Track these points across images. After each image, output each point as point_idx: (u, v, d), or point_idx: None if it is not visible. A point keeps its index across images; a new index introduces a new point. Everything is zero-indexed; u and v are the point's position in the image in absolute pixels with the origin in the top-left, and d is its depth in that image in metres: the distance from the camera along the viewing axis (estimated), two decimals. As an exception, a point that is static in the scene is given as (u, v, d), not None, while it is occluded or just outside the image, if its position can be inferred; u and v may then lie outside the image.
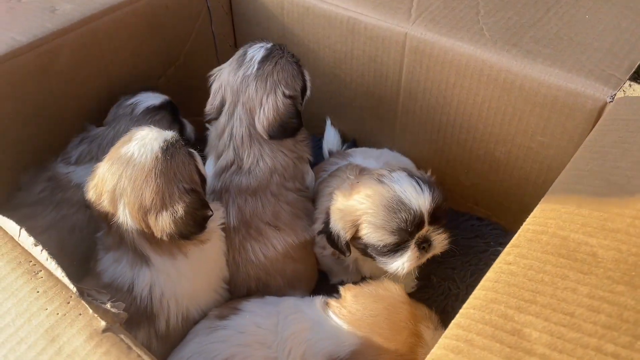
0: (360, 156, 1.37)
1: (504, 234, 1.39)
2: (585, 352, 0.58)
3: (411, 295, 1.04)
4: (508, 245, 0.75)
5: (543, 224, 0.76)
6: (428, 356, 0.62)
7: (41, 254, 0.73)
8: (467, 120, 1.26)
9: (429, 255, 1.10)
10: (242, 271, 1.22)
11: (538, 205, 0.80)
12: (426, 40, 1.21)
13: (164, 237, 0.99)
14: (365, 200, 1.06)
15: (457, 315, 0.66)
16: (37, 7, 1.27)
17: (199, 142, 1.34)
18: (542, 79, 1.09)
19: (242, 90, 1.18)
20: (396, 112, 1.40)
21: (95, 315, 0.67)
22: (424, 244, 1.07)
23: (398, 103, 1.38)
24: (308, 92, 1.28)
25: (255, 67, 1.18)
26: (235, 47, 1.25)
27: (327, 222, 1.12)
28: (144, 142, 0.99)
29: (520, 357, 0.59)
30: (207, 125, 1.30)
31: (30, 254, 0.74)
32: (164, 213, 0.97)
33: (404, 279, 1.12)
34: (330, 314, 1.01)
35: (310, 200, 1.31)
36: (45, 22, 1.22)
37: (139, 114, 1.31)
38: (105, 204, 1.00)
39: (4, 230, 0.78)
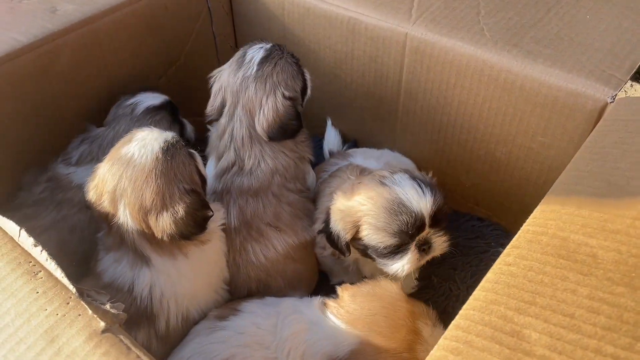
0: (361, 156, 1.37)
1: (504, 235, 1.39)
2: (584, 354, 0.58)
3: (412, 296, 1.03)
4: (508, 246, 0.74)
5: (543, 224, 0.76)
6: (427, 357, 0.62)
7: (41, 255, 0.73)
8: (467, 120, 1.26)
9: (429, 257, 1.10)
10: (242, 272, 1.22)
11: (538, 206, 0.80)
12: (427, 41, 1.21)
13: (165, 238, 0.99)
14: (367, 202, 1.06)
15: (457, 317, 0.66)
16: (37, 8, 1.27)
17: (200, 143, 1.34)
18: (543, 80, 1.09)
19: (241, 92, 1.18)
20: (397, 113, 1.40)
21: (95, 315, 0.67)
22: (424, 246, 1.07)
23: (399, 103, 1.38)
24: (309, 92, 1.28)
25: (255, 68, 1.18)
26: (236, 47, 1.26)
27: (327, 222, 1.12)
28: (145, 142, 0.99)
29: (520, 358, 0.59)
30: (208, 126, 1.31)
31: (30, 254, 0.74)
32: (165, 214, 0.97)
33: (405, 279, 1.12)
34: (329, 314, 1.01)
35: (311, 200, 1.31)
36: (45, 22, 1.22)
37: (139, 114, 1.31)
38: (105, 205, 1.00)
39: (4, 231, 0.78)
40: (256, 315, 1.08)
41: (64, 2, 1.29)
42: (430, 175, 1.15)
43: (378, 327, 0.96)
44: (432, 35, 1.20)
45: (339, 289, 1.04)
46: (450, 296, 1.30)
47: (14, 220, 0.77)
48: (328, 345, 0.97)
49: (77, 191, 1.18)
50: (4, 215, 0.79)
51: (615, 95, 1.01)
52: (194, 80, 1.31)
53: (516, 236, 0.76)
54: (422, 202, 1.04)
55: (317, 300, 1.06)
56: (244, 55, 1.21)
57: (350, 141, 1.58)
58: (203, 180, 1.08)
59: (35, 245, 0.73)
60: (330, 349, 0.97)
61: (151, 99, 1.34)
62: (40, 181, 1.24)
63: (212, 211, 1.05)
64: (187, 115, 1.43)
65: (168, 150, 0.99)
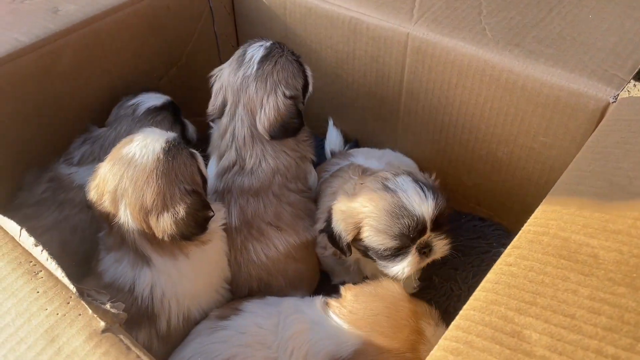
0: (362, 156, 1.37)
1: (506, 235, 1.39)
2: (585, 354, 0.58)
3: (413, 296, 1.03)
4: (509, 246, 0.74)
5: (544, 225, 0.75)
6: (427, 358, 0.62)
7: (41, 254, 0.73)
8: (469, 120, 1.26)
9: (429, 260, 1.10)
10: (243, 271, 1.22)
11: (539, 206, 0.80)
12: (428, 41, 1.21)
13: (165, 238, 0.99)
14: (369, 204, 1.06)
15: (457, 317, 0.66)
16: (39, 8, 1.27)
17: (201, 142, 1.34)
18: (545, 79, 1.09)
19: (242, 91, 1.18)
20: (398, 113, 1.40)
21: (95, 315, 0.67)
22: (425, 249, 1.07)
23: (400, 103, 1.37)
24: (310, 89, 1.28)
25: (255, 67, 1.18)
26: (238, 47, 1.25)
27: (329, 222, 1.12)
28: (146, 143, 1.00)
29: (520, 359, 0.59)
30: (210, 123, 1.31)
31: (30, 254, 0.75)
32: (165, 214, 0.97)
33: (406, 279, 1.12)
34: (331, 313, 1.01)
35: (313, 200, 1.31)
36: (47, 22, 1.22)
37: (141, 114, 1.31)
38: (106, 205, 1.00)
39: (5, 231, 0.78)
40: (257, 315, 1.08)
41: (65, 2, 1.29)
42: (433, 177, 1.15)
43: (381, 327, 0.96)
44: (434, 35, 1.20)
45: (342, 289, 1.04)
46: (451, 296, 1.30)
47: (15, 220, 0.77)
48: (330, 345, 0.97)
49: (79, 191, 1.19)
50: (6, 214, 0.79)
51: (618, 95, 1.01)
52: (196, 80, 1.31)
53: (517, 236, 0.75)
54: (424, 206, 1.03)
55: (319, 299, 1.06)
56: (244, 53, 1.21)
57: (352, 141, 1.58)
58: (204, 180, 1.08)
59: (36, 245, 0.73)
60: (332, 348, 0.97)
61: (153, 99, 1.34)
62: (42, 181, 1.24)
63: (213, 211, 1.05)
64: (189, 115, 1.43)
65: (169, 150, 0.99)
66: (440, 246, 1.08)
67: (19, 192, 1.25)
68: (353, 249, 1.12)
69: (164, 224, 0.97)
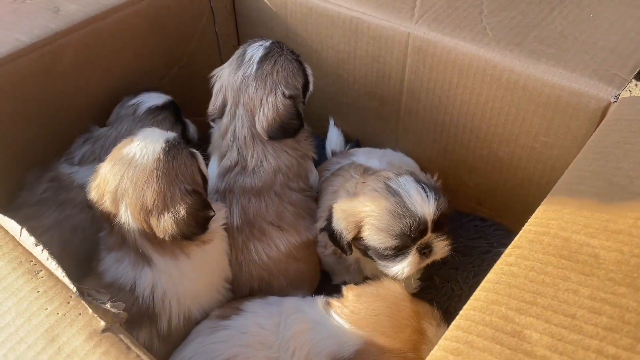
0: (363, 156, 1.37)
1: (507, 235, 1.39)
2: (586, 354, 0.57)
3: (414, 296, 1.03)
4: (509, 246, 0.74)
5: (545, 224, 0.75)
6: (427, 358, 0.62)
7: (42, 254, 0.73)
8: (470, 120, 1.26)
9: (429, 260, 1.10)
10: (245, 271, 1.22)
11: (540, 206, 0.80)
12: (429, 40, 1.21)
13: (166, 238, 0.99)
14: (370, 203, 1.06)
15: (457, 317, 0.66)
16: (40, 8, 1.27)
17: (202, 142, 1.34)
18: (546, 79, 1.08)
19: (242, 91, 1.18)
20: (399, 112, 1.40)
21: (95, 315, 0.68)
22: (425, 250, 1.07)
23: (401, 103, 1.37)
24: (311, 88, 1.28)
25: (255, 67, 1.18)
26: (239, 47, 1.26)
27: (329, 220, 1.12)
28: (146, 143, 1.00)
29: (521, 359, 0.58)
30: (211, 123, 1.31)
31: (31, 253, 0.75)
32: (166, 214, 0.97)
33: (406, 279, 1.11)
34: (333, 313, 1.01)
35: (314, 199, 1.31)
36: (48, 22, 1.22)
37: (142, 114, 1.31)
38: (107, 205, 1.00)
39: (5, 230, 0.78)
40: (258, 315, 1.08)
41: (66, 2, 1.29)
42: (435, 177, 1.15)
43: (382, 327, 0.96)
44: (435, 34, 1.20)
45: (343, 289, 1.04)
46: (452, 296, 1.30)
47: (15, 220, 0.77)
48: (332, 345, 0.97)
49: (80, 191, 1.19)
50: (7, 214, 0.79)
51: (619, 94, 1.01)
52: (197, 80, 1.31)
53: (518, 236, 0.75)
54: (425, 206, 1.03)
55: (321, 299, 1.06)
56: (244, 53, 1.21)
57: (353, 141, 1.58)
58: (205, 180, 1.08)
59: (36, 245, 0.73)
60: (334, 348, 0.97)
61: (154, 99, 1.35)
62: (43, 181, 1.24)
63: (214, 211, 1.05)
64: (190, 115, 1.43)
65: (169, 150, 0.99)
66: (441, 247, 1.08)
67: (20, 191, 1.25)
68: (353, 248, 1.12)
69: (165, 224, 0.97)
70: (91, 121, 1.32)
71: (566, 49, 1.11)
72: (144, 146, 0.99)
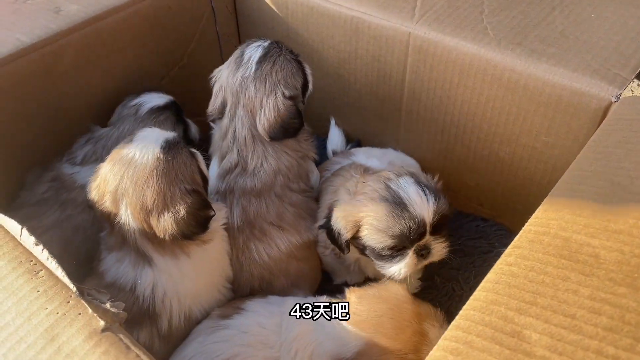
0: (364, 155, 1.37)
1: (508, 235, 1.38)
2: (585, 355, 0.57)
3: (415, 296, 1.03)
4: (509, 246, 0.74)
5: (545, 224, 0.75)
6: (427, 358, 0.62)
7: (42, 254, 0.73)
8: (471, 120, 1.25)
9: (427, 262, 1.10)
10: (245, 270, 1.22)
11: (540, 206, 0.79)
12: (430, 40, 1.21)
13: (166, 238, 0.99)
14: (370, 203, 1.06)
15: (457, 317, 0.66)
16: (41, 8, 1.27)
17: (204, 142, 1.35)
18: (547, 78, 1.08)
19: (241, 92, 1.18)
20: (400, 112, 1.40)
21: (95, 314, 0.68)
22: (423, 251, 1.07)
23: (402, 103, 1.37)
24: (310, 88, 1.27)
25: (254, 67, 1.17)
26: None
27: (328, 218, 1.12)
28: (146, 142, 1.00)
29: (520, 359, 0.58)
30: (211, 124, 1.31)
31: (31, 253, 0.75)
32: (166, 214, 0.97)
33: (407, 279, 1.11)
34: None
35: (315, 199, 1.31)
36: (49, 22, 1.22)
37: (144, 114, 1.31)
38: (107, 205, 1.00)
39: (6, 230, 0.78)
40: (260, 315, 1.08)
41: (67, 2, 1.29)
42: (435, 178, 1.14)
43: (383, 329, 0.95)
44: (436, 34, 1.20)
45: (346, 291, 1.04)
46: (453, 296, 1.30)
47: (17, 220, 0.77)
48: (334, 346, 0.97)
49: (81, 191, 1.19)
50: (8, 214, 0.79)
51: (620, 94, 1.00)
52: (198, 80, 1.31)
53: (518, 236, 0.75)
54: (424, 209, 1.03)
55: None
56: (242, 54, 1.20)
57: (354, 141, 1.58)
58: (205, 179, 1.08)
59: (37, 244, 0.73)
60: (336, 350, 0.96)
61: (155, 99, 1.35)
62: (44, 181, 1.25)
63: (214, 211, 1.05)
64: (191, 115, 1.43)
65: (169, 150, 0.99)
66: (439, 249, 1.08)
67: (21, 191, 1.25)
68: (352, 248, 1.12)
69: (165, 224, 0.97)
70: (91, 121, 1.32)
71: (567, 48, 1.11)
72: (144, 146, 0.99)
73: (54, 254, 0.73)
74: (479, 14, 1.22)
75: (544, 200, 0.80)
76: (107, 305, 0.69)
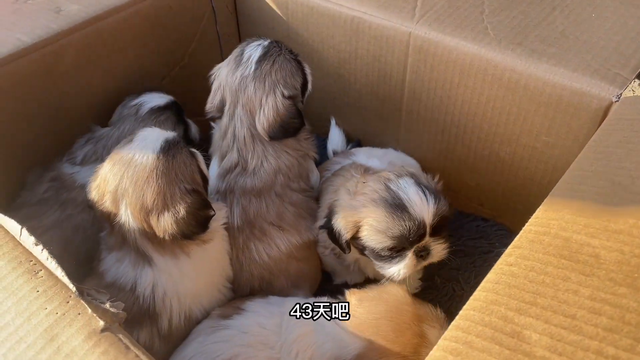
0: (364, 155, 1.36)
1: (508, 235, 1.38)
2: (585, 355, 0.57)
3: (415, 296, 1.03)
4: (510, 246, 0.74)
5: (545, 224, 0.75)
6: (427, 358, 0.62)
7: (41, 254, 0.73)
8: (471, 120, 1.25)
9: (426, 263, 1.10)
10: (245, 270, 1.22)
11: (540, 206, 0.79)
12: (430, 40, 1.21)
13: (166, 237, 0.99)
14: (370, 203, 1.06)
15: (457, 317, 0.65)
16: (42, 8, 1.28)
17: (204, 142, 1.35)
18: (547, 78, 1.08)
19: (241, 91, 1.18)
20: (400, 112, 1.39)
21: (94, 314, 0.68)
22: (422, 253, 1.07)
23: (402, 103, 1.37)
24: (309, 88, 1.27)
25: (253, 67, 1.17)
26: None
27: (329, 218, 1.12)
28: (146, 142, 1.00)
29: (520, 359, 0.58)
30: (211, 124, 1.31)
31: (31, 253, 0.75)
32: (166, 213, 0.97)
33: (406, 280, 1.11)
34: None
35: (315, 199, 1.31)
36: (50, 22, 1.22)
37: (144, 114, 1.31)
38: (107, 205, 1.00)
39: (5, 230, 0.78)
40: (260, 315, 1.08)
41: (68, 2, 1.29)
42: (436, 179, 1.14)
43: (382, 331, 0.95)
44: (436, 34, 1.20)
45: (346, 293, 1.04)
46: (453, 297, 1.29)
47: (17, 219, 0.77)
48: (334, 349, 0.97)
49: (81, 191, 1.19)
50: (8, 213, 0.79)
51: (621, 94, 1.00)
52: (198, 80, 1.31)
53: (518, 236, 0.75)
54: (425, 210, 1.03)
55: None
56: (242, 53, 1.20)
57: (354, 141, 1.58)
58: (204, 179, 1.08)
59: (36, 244, 0.73)
60: (336, 352, 0.96)
61: (156, 99, 1.35)
62: (44, 180, 1.25)
63: (214, 210, 1.05)
64: (192, 115, 1.43)
65: (169, 150, 0.99)
66: (438, 250, 1.08)
67: (22, 191, 1.25)
68: (352, 248, 1.12)
69: (165, 224, 0.97)
70: (92, 121, 1.32)
71: (567, 48, 1.10)
72: (144, 146, 0.99)
73: (54, 253, 0.73)
74: (479, 14, 1.22)
75: (544, 201, 0.80)
76: (107, 305, 0.69)
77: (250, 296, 1.20)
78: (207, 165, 1.17)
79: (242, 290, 1.23)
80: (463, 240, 1.39)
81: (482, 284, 0.69)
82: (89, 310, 0.68)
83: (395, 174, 1.09)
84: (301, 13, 1.42)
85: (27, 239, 0.75)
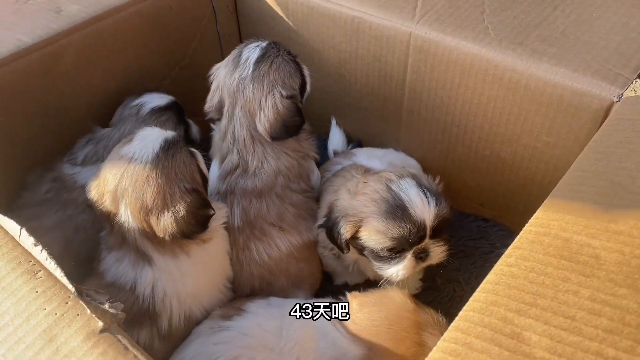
0: (365, 156, 1.36)
1: (509, 235, 1.38)
2: (585, 356, 0.57)
3: (415, 298, 1.02)
4: (510, 247, 0.74)
5: (545, 225, 0.75)
6: (426, 359, 0.61)
7: (41, 254, 0.73)
8: (472, 120, 1.25)
9: (425, 264, 1.10)
10: (245, 270, 1.22)
11: (541, 207, 0.79)
12: (431, 40, 1.20)
13: (166, 237, 0.99)
14: (370, 204, 1.06)
15: (457, 318, 0.65)
16: (42, 8, 1.28)
17: (205, 143, 1.35)
18: (548, 79, 1.08)
19: (239, 93, 1.18)
20: (401, 112, 1.39)
21: (93, 315, 0.67)
22: (422, 254, 1.07)
23: (403, 103, 1.37)
24: (308, 89, 1.27)
25: (251, 68, 1.17)
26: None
27: (328, 217, 1.12)
28: (145, 142, 1.00)
29: (519, 360, 0.58)
30: (212, 126, 1.31)
31: (30, 253, 0.75)
32: (166, 213, 0.97)
33: (406, 281, 1.11)
34: (335, 322, 1.01)
35: (315, 200, 1.31)
36: (50, 23, 1.23)
37: (145, 114, 1.31)
38: (107, 204, 1.00)
39: (5, 230, 0.78)
40: (260, 317, 1.08)
41: (68, 2, 1.29)
42: (437, 180, 1.14)
43: (382, 339, 0.95)
44: (436, 34, 1.20)
45: (348, 296, 1.03)
46: (454, 297, 1.29)
47: (18, 220, 0.77)
48: (334, 354, 0.97)
49: (82, 191, 1.18)
50: (9, 214, 0.79)
51: (622, 94, 1.00)
52: (199, 80, 1.31)
53: (518, 237, 0.75)
54: (425, 212, 1.03)
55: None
56: (240, 55, 1.20)
57: (355, 141, 1.57)
58: (204, 179, 1.08)
59: (35, 245, 0.73)
60: (336, 358, 0.96)
61: (157, 99, 1.35)
62: (45, 181, 1.25)
63: (214, 210, 1.05)
64: (192, 115, 1.43)
65: (168, 149, 1.00)
66: (438, 252, 1.08)
67: (22, 192, 1.25)
68: (351, 248, 1.12)
69: (165, 223, 0.97)
70: (92, 121, 1.33)
71: (568, 48, 1.10)
72: (144, 145, 0.99)
73: (55, 254, 0.73)
74: (480, 13, 1.22)
75: (545, 201, 0.80)
76: (106, 305, 0.69)
77: (250, 297, 1.20)
78: (208, 166, 1.17)
79: (242, 290, 1.23)
80: (463, 240, 1.39)
81: (482, 285, 0.69)
82: (88, 311, 0.68)
83: (397, 175, 1.09)
84: (301, 13, 1.42)
85: (27, 240, 0.75)
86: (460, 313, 0.66)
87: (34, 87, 1.21)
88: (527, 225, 0.77)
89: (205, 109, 1.26)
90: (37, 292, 0.70)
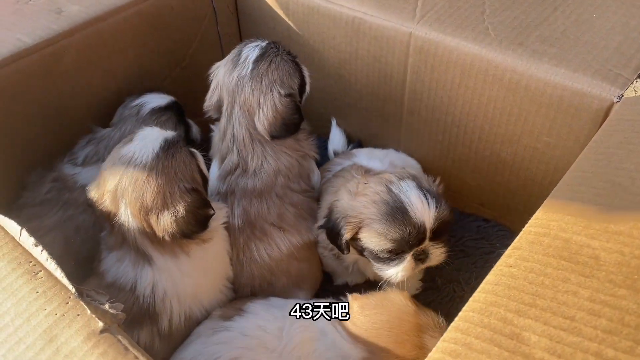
0: (365, 156, 1.36)
1: (509, 236, 1.38)
2: (585, 357, 0.57)
3: (415, 298, 1.02)
4: (509, 248, 0.74)
5: (545, 225, 0.75)
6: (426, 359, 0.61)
7: (41, 254, 0.73)
8: (472, 120, 1.25)
9: (424, 266, 1.10)
10: (246, 270, 1.22)
11: (541, 207, 0.79)
12: (431, 40, 1.21)
13: (166, 237, 0.99)
14: (370, 205, 1.06)
15: (456, 319, 0.65)
16: (43, 9, 1.28)
17: (205, 143, 1.35)
18: (548, 79, 1.08)
19: (238, 92, 1.18)
20: (401, 113, 1.39)
21: (94, 315, 0.68)
22: (421, 256, 1.07)
23: (403, 103, 1.37)
24: (307, 89, 1.27)
25: (250, 67, 1.17)
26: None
27: (328, 218, 1.12)
28: (145, 142, 1.00)
29: (519, 361, 0.58)
30: (211, 126, 1.31)
31: (30, 254, 0.75)
32: (166, 212, 0.97)
33: (406, 281, 1.11)
34: (337, 324, 1.01)
35: (316, 200, 1.31)
36: (50, 23, 1.23)
37: (145, 114, 1.32)
38: (107, 204, 1.00)
39: (5, 231, 0.78)
40: (261, 317, 1.08)
41: (69, 3, 1.30)
42: (437, 182, 1.14)
43: (382, 342, 0.95)
44: (437, 34, 1.20)
45: (349, 297, 1.03)
46: (454, 297, 1.29)
47: (18, 220, 0.78)
48: (334, 357, 0.97)
49: (83, 191, 1.18)
50: (10, 214, 0.79)
51: (622, 94, 1.00)
52: (199, 80, 1.31)
53: (518, 237, 0.75)
54: (425, 214, 1.03)
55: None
56: (239, 54, 1.20)
57: (355, 142, 1.57)
58: (204, 178, 1.08)
59: (36, 245, 0.74)
60: None
61: (157, 99, 1.35)
62: (46, 181, 1.25)
63: (214, 209, 1.05)
64: (193, 115, 1.43)
65: (168, 149, 1.00)
66: (437, 254, 1.08)
67: (23, 192, 1.25)
68: (351, 249, 1.12)
69: (165, 223, 0.97)
70: (92, 122, 1.33)
71: (569, 48, 1.10)
72: (143, 145, 0.99)
73: (55, 254, 0.73)
74: (480, 14, 1.22)
75: (545, 202, 0.80)
76: (106, 306, 0.69)
77: (251, 297, 1.20)
78: (208, 166, 1.17)
79: (243, 290, 1.23)
80: (464, 240, 1.39)
81: (482, 285, 0.69)
82: (88, 311, 0.68)
83: (397, 176, 1.09)
84: (302, 13, 1.42)
85: (27, 240, 0.75)
86: (460, 313, 0.66)
87: (34, 88, 1.21)
88: (526, 225, 0.77)
89: (204, 107, 1.26)
90: (37, 292, 0.70)
